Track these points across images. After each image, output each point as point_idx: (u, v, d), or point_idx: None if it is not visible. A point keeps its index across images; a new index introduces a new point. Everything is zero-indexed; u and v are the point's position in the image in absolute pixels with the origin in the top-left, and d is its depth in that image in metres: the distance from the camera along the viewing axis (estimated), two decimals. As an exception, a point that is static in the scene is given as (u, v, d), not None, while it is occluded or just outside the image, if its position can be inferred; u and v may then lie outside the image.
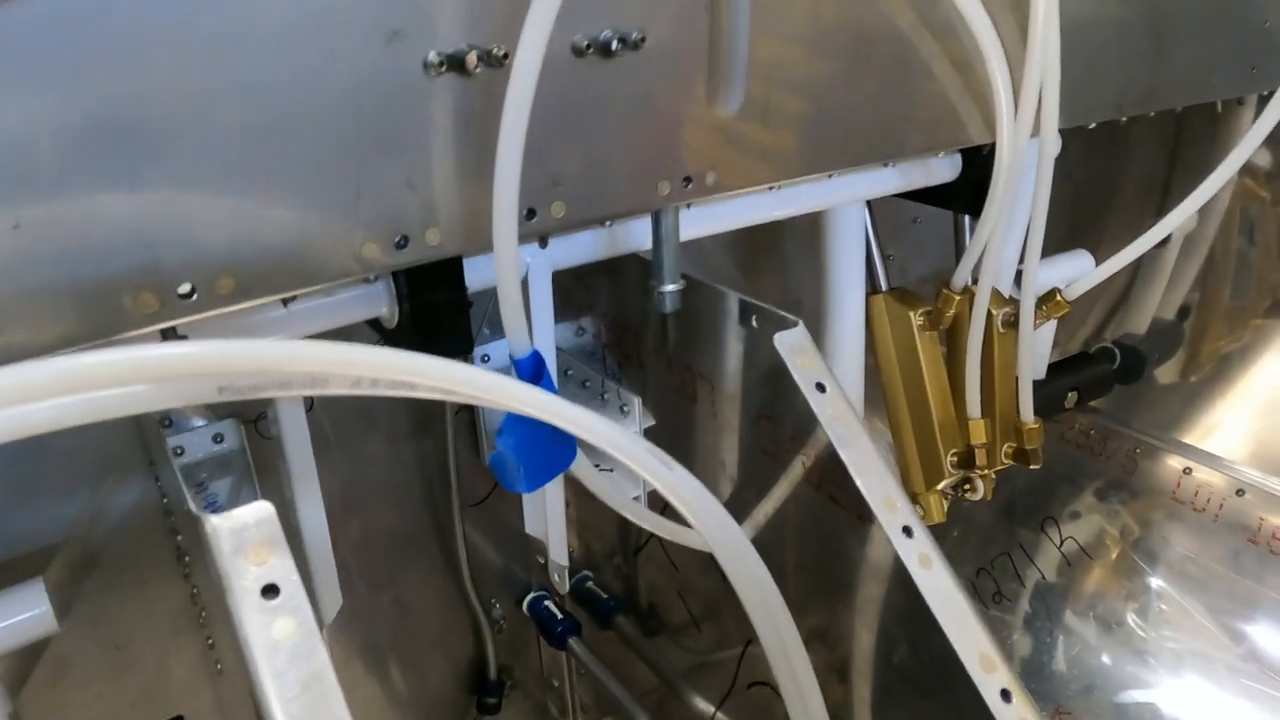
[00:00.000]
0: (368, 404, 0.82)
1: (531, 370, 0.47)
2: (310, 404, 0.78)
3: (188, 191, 0.39)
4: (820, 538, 0.54)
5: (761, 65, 0.51)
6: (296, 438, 0.57)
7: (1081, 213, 1.21)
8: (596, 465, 0.55)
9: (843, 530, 0.51)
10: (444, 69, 0.42)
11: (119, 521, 0.71)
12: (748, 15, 0.49)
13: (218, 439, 0.69)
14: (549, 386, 0.48)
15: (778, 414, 0.53)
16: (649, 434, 0.67)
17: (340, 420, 0.81)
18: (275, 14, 0.38)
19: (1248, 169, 1.07)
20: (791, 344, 0.50)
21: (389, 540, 0.88)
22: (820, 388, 0.49)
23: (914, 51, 0.58)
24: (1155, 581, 0.97)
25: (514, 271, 0.44)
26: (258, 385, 0.32)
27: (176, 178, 0.38)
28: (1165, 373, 1.17)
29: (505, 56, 0.42)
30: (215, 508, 0.65)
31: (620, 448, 0.41)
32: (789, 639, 0.48)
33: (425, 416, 0.83)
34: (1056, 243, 1.18)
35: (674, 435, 0.66)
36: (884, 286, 0.80)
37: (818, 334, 0.82)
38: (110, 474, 0.70)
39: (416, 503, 0.87)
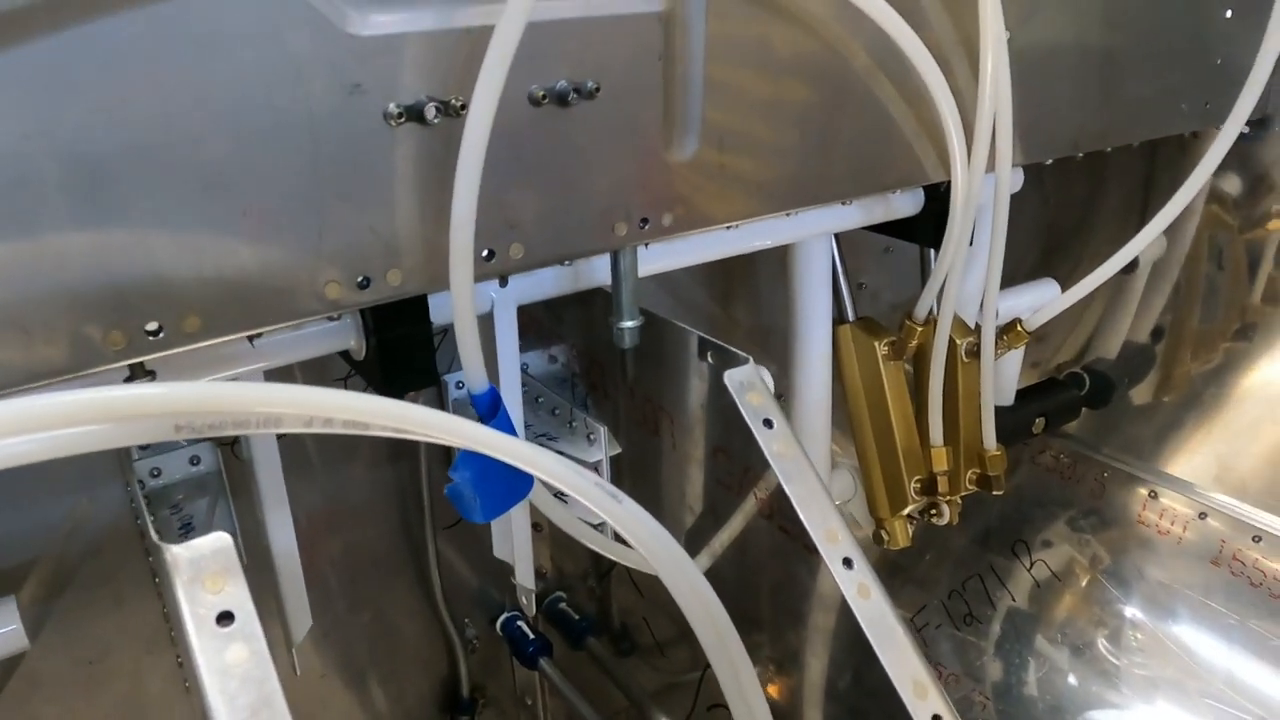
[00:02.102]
0: (346, 427, 0.84)
1: (488, 406, 0.49)
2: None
3: (153, 233, 0.40)
4: (773, 568, 0.56)
5: (716, 110, 0.53)
6: (267, 462, 0.59)
7: (1057, 237, 1.23)
8: (557, 494, 0.57)
9: (793, 561, 0.53)
10: (403, 119, 0.44)
11: (94, 537, 0.73)
12: (701, 62, 0.51)
13: (194, 461, 0.71)
14: (504, 421, 0.50)
15: (733, 448, 0.55)
16: (615, 461, 0.69)
17: (322, 442, 0.83)
18: (240, 65, 0.40)
19: (1215, 196, 1.09)
20: (741, 381, 0.52)
21: (367, 559, 0.89)
22: (768, 424, 0.51)
23: (869, 93, 0.60)
24: (1124, 608, 0.99)
25: (470, 313, 0.46)
26: (214, 425, 0.34)
27: (142, 219, 0.40)
28: (1136, 395, 1.18)
29: (463, 107, 0.44)
30: (190, 529, 0.67)
31: (568, 483, 0.43)
32: (741, 666, 0.50)
33: (401, 442, 0.85)
34: (1031, 266, 1.20)
35: (639, 464, 0.68)
36: (851, 316, 0.83)
37: (787, 361, 0.84)
38: (86, 490, 0.71)
39: (393, 524, 0.88)
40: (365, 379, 0.55)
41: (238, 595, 0.37)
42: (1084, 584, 1.00)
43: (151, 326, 0.42)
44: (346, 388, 0.38)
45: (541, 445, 0.71)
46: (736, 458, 0.55)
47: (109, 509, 0.72)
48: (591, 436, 0.68)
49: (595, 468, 0.68)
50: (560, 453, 0.70)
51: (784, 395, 0.86)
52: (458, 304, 0.46)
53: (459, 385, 0.77)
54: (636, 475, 0.68)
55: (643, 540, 0.46)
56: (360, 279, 0.46)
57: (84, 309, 0.40)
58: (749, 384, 0.52)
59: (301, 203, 0.43)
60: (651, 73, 0.50)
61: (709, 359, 0.56)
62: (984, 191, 0.67)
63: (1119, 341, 1.17)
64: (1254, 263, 1.10)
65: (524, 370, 0.77)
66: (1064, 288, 0.89)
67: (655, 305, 0.63)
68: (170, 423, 0.33)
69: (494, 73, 0.42)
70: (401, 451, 0.87)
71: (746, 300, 0.98)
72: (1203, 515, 1.00)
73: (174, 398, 0.33)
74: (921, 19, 0.59)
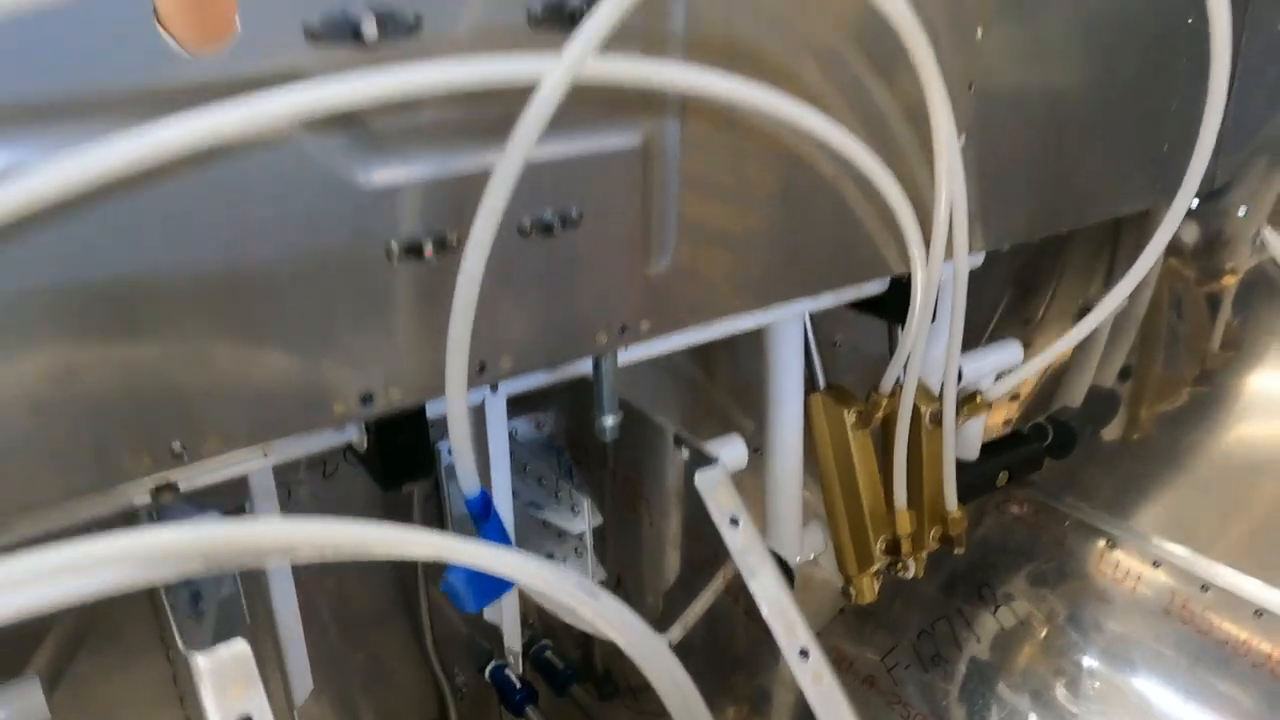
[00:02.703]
0: (344, 483, 0.88)
1: (480, 508, 0.53)
2: (288, 491, 0.84)
3: (180, 360, 0.45)
4: (739, 645, 0.61)
5: (690, 225, 0.58)
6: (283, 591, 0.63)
7: (1029, 278, 1.27)
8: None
9: (758, 641, 0.58)
10: (404, 257, 0.48)
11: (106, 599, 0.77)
12: (676, 186, 0.56)
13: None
14: (495, 523, 0.54)
15: (703, 532, 0.60)
16: (598, 531, 0.73)
17: (320, 495, 0.87)
18: (262, 212, 0.44)
19: (1174, 248, 1.14)
20: (710, 482, 0.57)
21: (362, 608, 0.94)
22: (734, 522, 0.55)
23: (834, 199, 0.64)
24: (1083, 657, 1.04)
25: (464, 425, 0.51)
26: (240, 560, 0.39)
27: (171, 346, 0.44)
28: (1098, 444, 1.24)
29: (459, 242, 0.49)
30: (199, 597, 0.71)
31: (550, 584, 0.48)
32: (710, 738, 0.54)
33: (396, 497, 0.90)
34: (1005, 307, 1.24)
35: (619, 533, 0.72)
36: (822, 383, 0.87)
37: (763, 419, 0.89)
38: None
39: (387, 575, 0.93)
40: (367, 469, 0.59)
41: (256, 700, 0.42)
42: (1044, 634, 1.05)
43: (176, 447, 0.46)
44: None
45: (528, 513, 0.75)
46: (707, 541, 0.59)
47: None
48: (575, 508, 0.73)
49: (579, 537, 0.72)
50: (545, 522, 0.75)
51: (759, 450, 0.91)
52: (452, 418, 0.50)
53: (449, 452, 0.81)
54: (617, 544, 0.73)
55: (620, 631, 0.51)
56: (364, 395, 0.50)
57: (113, 432, 0.44)
58: (718, 483, 0.56)
59: (314, 331, 0.48)
60: (631, 199, 0.55)
61: (683, 451, 0.60)
62: (945, 272, 0.72)
63: (1083, 390, 1.22)
64: (1213, 311, 1.15)
65: (511, 436, 0.82)
66: (1035, 329, 0.94)
67: (637, 367, 0.68)
68: (200, 562, 0.38)
69: (489, 218, 0.46)
70: (394, 506, 0.91)
71: (725, 361, 1.03)
72: (1156, 564, 1.06)
73: (205, 539, 0.37)
74: (882, 125, 0.64)
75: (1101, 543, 1.10)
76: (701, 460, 0.58)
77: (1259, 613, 0.98)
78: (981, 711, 1.05)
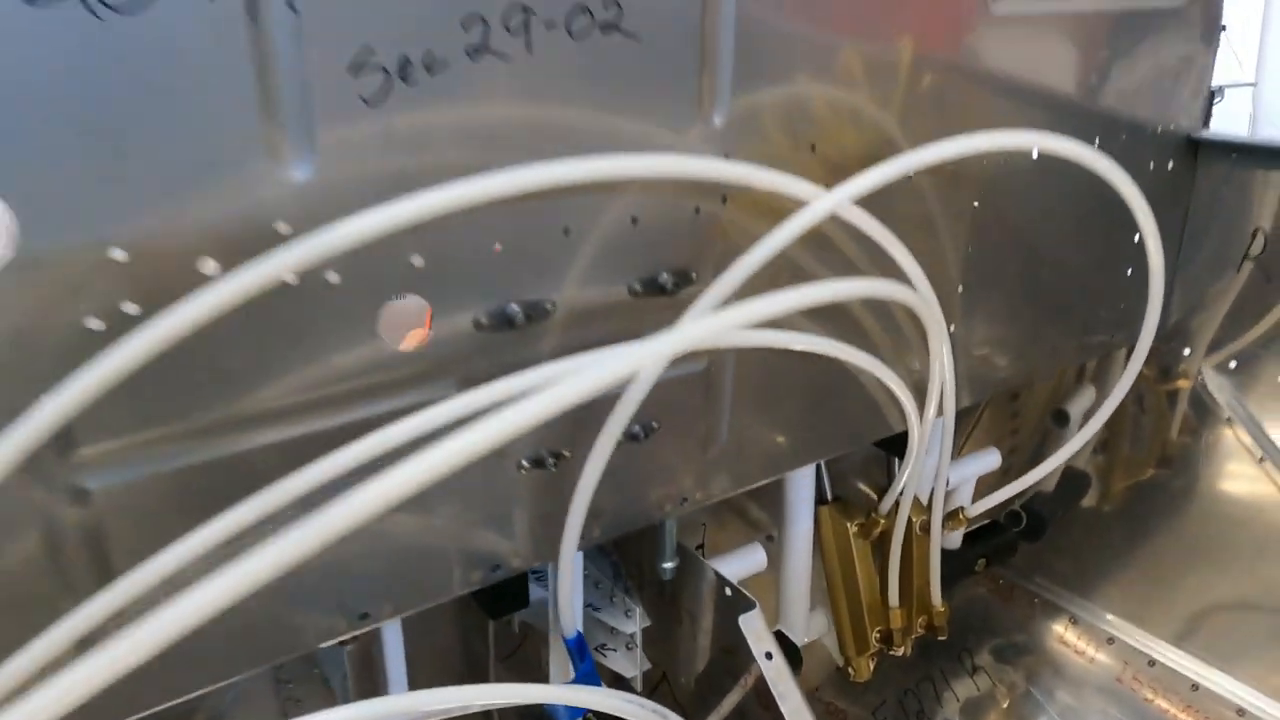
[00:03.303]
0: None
1: (576, 646, 0.69)
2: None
3: (373, 545, 0.61)
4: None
5: (738, 418, 0.74)
6: (395, 659, 0.79)
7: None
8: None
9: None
10: (531, 467, 0.64)
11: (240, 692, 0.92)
12: (730, 394, 0.72)
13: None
14: (589, 663, 0.70)
15: (730, 632, 0.76)
16: (645, 631, 0.89)
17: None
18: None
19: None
20: (751, 622, 0.73)
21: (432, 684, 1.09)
22: (768, 656, 0.72)
23: (850, 383, 0.80)
24: (1046, 716, 1.21)
25: (570, 588, 0.67)
26: None
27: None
28: (1066, 528, 1.40)
29: (573, 456, 0.64)
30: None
31: (640, 714, 0.64)
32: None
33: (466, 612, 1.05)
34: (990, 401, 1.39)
35: (659, 628, 0.89)
36: (829, 496, 1.04)
37: (780, 521, 1.05)
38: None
39: (457, 652, 1.08)
40: (476, 601, 0.75)
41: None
42: (1007, 704, 1.22)
43: (362, 611, 0.62)
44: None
45: (588, 613, 0.91)
46: (733, 639, 0.76)
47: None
48: (629, 613, 0.89)
49: (630, 637, 0.88)
50: (600, 621, 0.91)
51: (774, 538, 1.08)
52: (561, 580, 0.66)
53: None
54: (658, 637, 0.89)
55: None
56: (495, 567, 0.66)
57: (318, 607, 0.60)
58: (756, 625, 0.72)
59: (464, 520, 0.63)
60: (696, 406, 0.71)
61: (725, 591, 0.77)
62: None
63: (1054, 479, 1.39)
64: (1171, 404, 1.30)
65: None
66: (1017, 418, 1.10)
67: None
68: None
69: (608, 441, 0.62)
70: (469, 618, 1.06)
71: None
72: (1110, 641, 1.23)
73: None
74: (887, 318, 0.80)
75: (1064, 619, 1.27)
76: (745, 604, 0.74)
77: (1195, 687, 1.15)
78: (959, 765, 1.22)
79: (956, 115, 0.75)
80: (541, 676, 0.93)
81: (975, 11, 0.73)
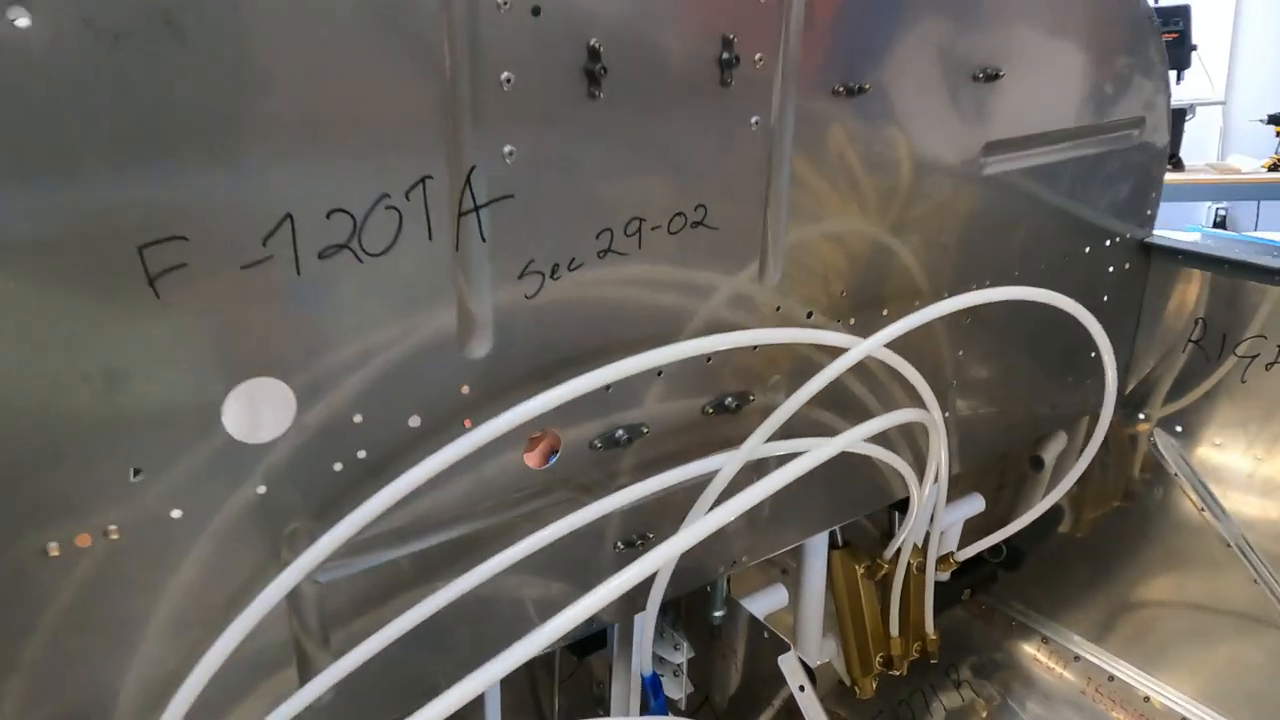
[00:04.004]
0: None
1: (652, 683, 0.87)
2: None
3: (513, 607, 0.78)
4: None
5: (780, 497, 0.92)
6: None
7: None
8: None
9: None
10: (623, 548, 0.81)
11: None
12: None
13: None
14: (662, 699, 0.88)
15: (759, 659, 0.94)
16: (690, 662, 1.07)
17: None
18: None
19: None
20: (788, 662, 0.91)
21: None
22: (801, 689, 0.90)
23: (864, 463, 0.99)
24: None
25: (650, 639, 0.85)
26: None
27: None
28: (1040, 559, 1.59)
29: (652, 538, 0.82)
30: None
31: None
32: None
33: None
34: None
35: (704, 666, 1.07)
36: (840, 542, 1.22)
37: (800, 563, 1.23)
38: None
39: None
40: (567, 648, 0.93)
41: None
42: (988, 712, 1.41)
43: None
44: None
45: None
46: (761, 667, 0.94)
47: None
48: (677, 646, 1.07)
49: (679, 666, 1.06)
50: (654, 653, 1.09)
51: (788, 571, 1.26)
52: (646, 634, 0.84)
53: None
54: (701, 671, 1.07)
55: None
56: (591, 621, 0.83)
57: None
58: (793, 664, 0.91)
59: (578, 587, 0.81)
60: (746, 492, 0.89)
61: (764, 634, 0.95)
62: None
63: (1031, 516, 1.58)
64: (1133, 448, 1.49)
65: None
66: (994, 470, 1.29)
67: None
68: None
69: (693, 533, 0.80)
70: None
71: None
72: (1076, 658, 1.42)
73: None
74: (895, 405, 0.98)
75: (1037, 640, 1.46)
76: (783, 647, 0.92)
77: (1146, 699, 1.35)
78: (945, 763, 1.41)
79: (963, 256, 0.93)
80: (592, 697, 1.11)
81: (973, 174, 0.91)
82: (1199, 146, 5.57)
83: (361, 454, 0.63)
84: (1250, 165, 4.96)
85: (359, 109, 0.55)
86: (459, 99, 0.58)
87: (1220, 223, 5.51)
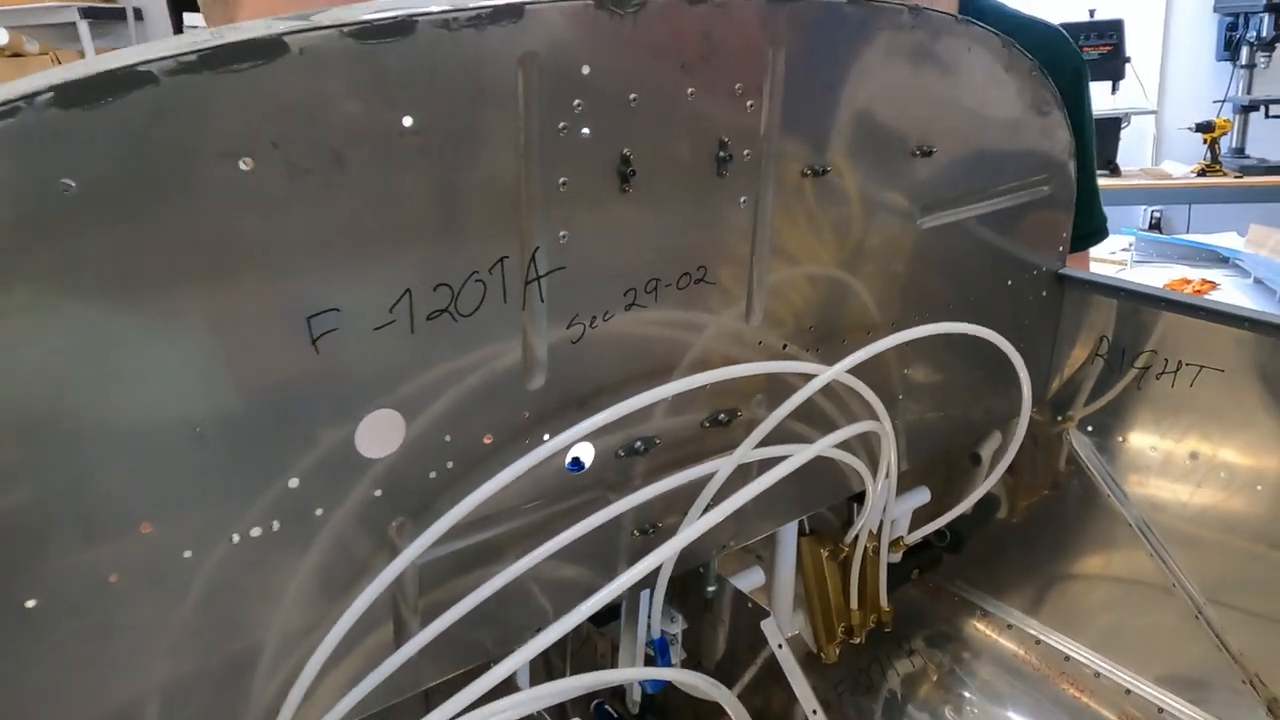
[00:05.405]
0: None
1: (661, 645, 1.07)
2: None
3: (541, 584, 0.97)
4: (775, 702, 1.16)
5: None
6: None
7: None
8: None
9: (786, 699, 1.13)
10: (639, 534, 1.01)
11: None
12: (755, 473, 1.11)
13: None
14: (668, 654, 1.08)
15: (743, 629, 1.14)
16: (683, 632, 1.28)
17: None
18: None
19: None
20: (769, 627, 1.12)
21: None
22: (780, 647, 1.10)
23: (830, 462, 1.20)
24: (965, 691, 1.62)
25: (660, 609, 1.05)
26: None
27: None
28: (980, 542, 1.82)
29: (662, 526, 1.02)
30: None
31: (700, 684, 1.02)
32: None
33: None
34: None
35: (695, 634, 1.27)
36: (807, 531, 1.43)
37: (772, 556, 1.44)
38: None
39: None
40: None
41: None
42: (936, 677, 1.63)
43: (535, 627, 0.99)
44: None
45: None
46: (744, 636, 1.14)
47: None
48: (672, 618, 1.27)
49: (675, 635, 1.27)
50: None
51: (762, 558, 1.47)
52: (656, 606, 1.04)
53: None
54: (691, 639, 1.28)
55: (725, 698, 1.06)
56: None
57: (513, 624, 0.97)
58: (771, 626, 1.11)
59: (599, 566, 1.00)
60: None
61: (748, 605, 1.16)
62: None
63: (971, 504, 1.81)
64: (1059, 444, 1.72)
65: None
66: (940, 465, 1.51)
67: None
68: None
69: (700, 524, 1.00)
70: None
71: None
72: (1009, 627, 1.65)
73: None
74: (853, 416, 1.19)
75: (977, 613, 1.69)
76: (764, 614, 1.13)
77: (1066, 658, 1.58)
78: (897, 723, 1.63)
79: (907, 291, 1.15)
80: (597, 667, 1.31)
81: (914, 228, 1.12)
82: (1134, 153, 5.86)
83: (450, 464, 0.83)
84: (1180, 171, 5.24)
85: (461, 213, 0.74)
86: (531, 199, 0.78)
87: (1155, 225, 5.79)
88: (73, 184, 0.58)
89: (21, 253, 0.57)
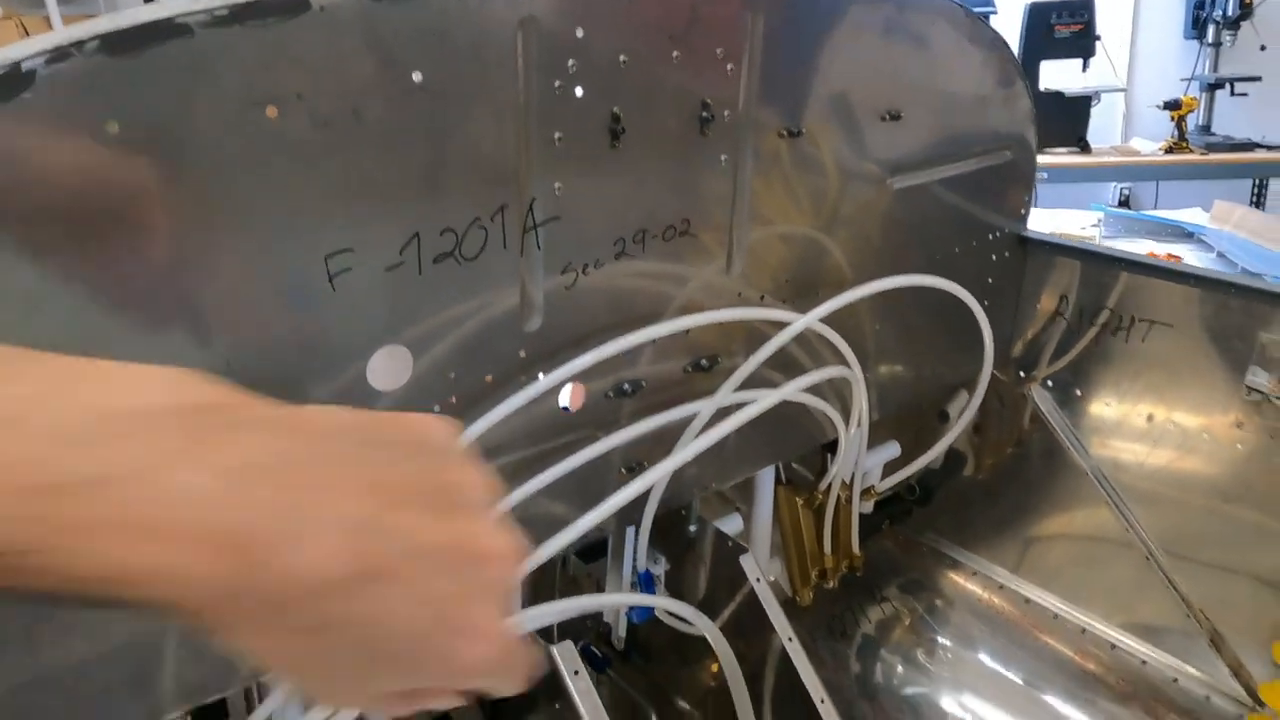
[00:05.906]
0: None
1: (647, 578, 1.14)
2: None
3: (532, 519, 1.04)
4: (760, 634, 1.24)
5: (737, 436, 1.20)
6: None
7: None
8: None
9: (765, 630, 1.21)
10: (626, 472, 1.09)
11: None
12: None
13: None
14: (652, 585, 1.15)
15: (724, 569, 1.22)
16: (666, 572, 1.35)
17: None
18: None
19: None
20: (747, 560, 1.19)
21: None
22: (758, 580, 1.18)
23: (804, 410, 1.27)
24: (936, 635, 1.71)
25: (645, 544, 1.12)
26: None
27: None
28: (948, 495, 1.90)
29: (647, 464, 1.09)
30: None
31: (684, 609, 1.09)
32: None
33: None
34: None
35: (677, 573, 1.35)
36: (784, 480, 1.51)
37: (750, 499, 1.52)
38: None
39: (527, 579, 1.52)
40: (577, 554, 1.19)
41: None
42: (909, 621, 1.72)
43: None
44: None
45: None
46: (725, 574, 1.22)
47: None
48: (655, 560, 1.34)
49: (657, 576, 1.34)
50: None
51: (740, 509, 1.55)
52: (641, 540, 1.12)
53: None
54: (675, 578, 1.36)
55: (709, 630, 1.13)
56: (599, 529, 1.10)
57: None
58: (749, 561, 1.19)
59: (587, 499, 1.07)
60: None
61: (728, 543, 1.23)
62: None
63: (939, 459, 1.89)
64: (1023, 403, 1.81)
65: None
66: (909, 424, 1.59)
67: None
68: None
69: (678, 460, 1.07)
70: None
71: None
72: (975, 574, 1.74)
73: (583, 608, 0.98)
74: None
75: (947, 562, 1.78)
76: (742, 550, 1.20)
77: (1027, 600, 1.67)
78: (870, 666, 1.72)
79: (879, 250, 1.22)
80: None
81: (884, 188, 1.20)
82: (1104, 130, 5.95)
83: (453, 399, 0.89)
84: (1149, 148, 5.34)
85: (465, 163, 0.81)
86: (529, 152, 0.84)
87: (1124, 202, 5.90)
88: (116, 126, 0.63)
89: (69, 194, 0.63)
